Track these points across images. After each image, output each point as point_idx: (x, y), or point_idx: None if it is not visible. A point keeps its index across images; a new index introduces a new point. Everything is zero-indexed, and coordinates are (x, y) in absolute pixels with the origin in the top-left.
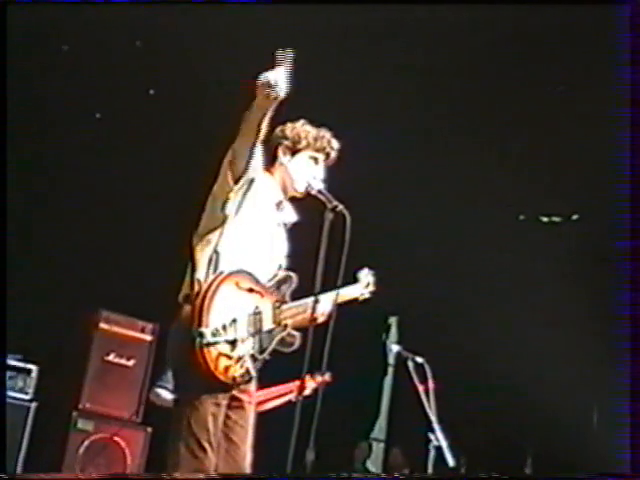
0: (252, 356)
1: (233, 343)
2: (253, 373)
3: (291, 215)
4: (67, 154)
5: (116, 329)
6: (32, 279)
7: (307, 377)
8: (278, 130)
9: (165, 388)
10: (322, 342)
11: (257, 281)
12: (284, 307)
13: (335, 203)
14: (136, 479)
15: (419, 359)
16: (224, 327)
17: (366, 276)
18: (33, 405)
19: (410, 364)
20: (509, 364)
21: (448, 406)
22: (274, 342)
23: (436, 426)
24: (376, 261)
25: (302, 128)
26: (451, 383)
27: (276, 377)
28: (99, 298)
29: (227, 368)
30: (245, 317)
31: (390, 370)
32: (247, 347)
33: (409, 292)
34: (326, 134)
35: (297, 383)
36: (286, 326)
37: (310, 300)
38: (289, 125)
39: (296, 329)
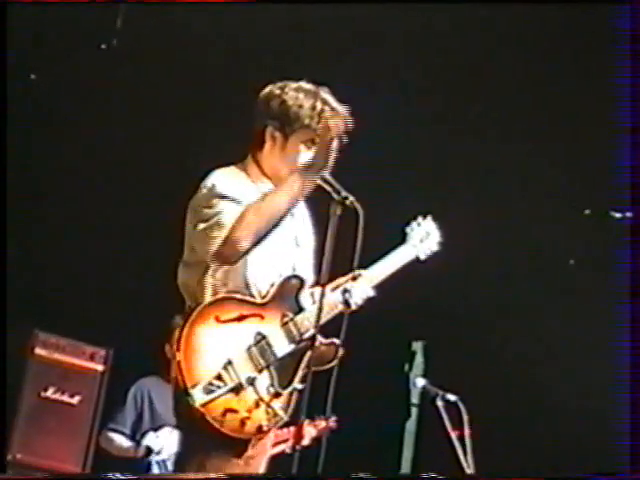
0: (276, 394)
1: (238, 390)
2: (283, 414)
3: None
4: (67, 154)
5: (57, 356)
6: None
7: (306, 422)
8: (263, 100)
9: (120, 432)
10: (326, 376)
11: (249, 302)
12: (300, 317)
13: (344, 194)
14: (131, 479)
15: (451, 396)
16: (219, 377)
17: (419, 225)
18: None
19: (440, 403)
20: (560, 401)
21: (488, 456)
22: (302, 364)
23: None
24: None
25: (293, 99)
26: (491, 427)
27: None
28: (34, 316)
29: (243, 423)
30: (243, 353)
31: (414, 411)
32: (264, 386)
33: (438, 311)
34: (326, 103)
35: (293, 430)
36: (314, 338)
37: (337, 292)
38: (276, 92)
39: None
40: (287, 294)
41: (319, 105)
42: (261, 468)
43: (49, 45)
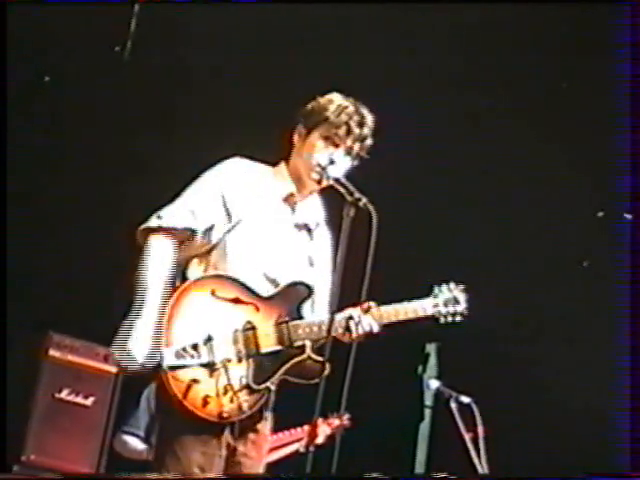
0: (247, 387)
1: (211, 368)
2: (246, 409)
3: (309, 214)
4: (67, 154)
5: (71, 358)
6: None
7: (320, 421)
8: (301, 109)
9: (135, 435)
10: (341, 375)
11: (249, 290)
12: (295, 323)
13: (358, 195)
14: (136, 479)
15: (465, 399)
16: (195, 347)
17: (450, 290)
18: None
19: (453, 405)
20: (565, 391)
21: (501, 458)
22: (283, 369)
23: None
24: (409, 270)
25: (324, 99)
26: (505, 429)
27: (280, 421)
28: (49, 317)
29: (206, 401)
30: (229, 335)
31: (428, 413)
32: (237, 374)
33: None
34: (356, 108)
35: (307, 428)
36: (303, 348)
37: (341, 316)
38: (315, 100)
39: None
40: (291, 298)
41: (345, 103)
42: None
43: (49, 45)
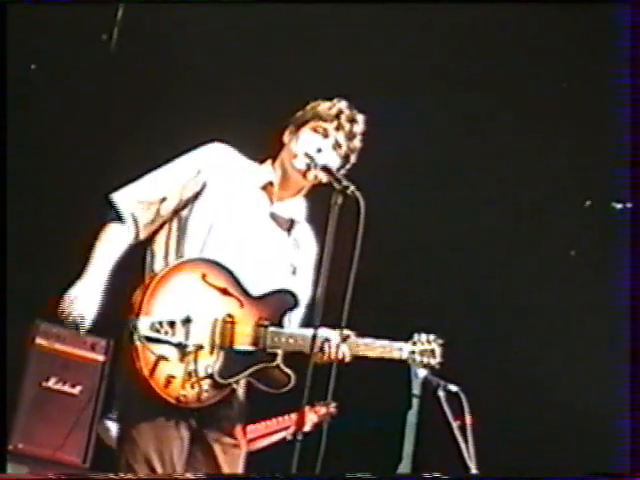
0: (211, 378)
1: (182, 350)
2: (204, 399)
3: (288, 209)
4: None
5: (58, 346)
6: None
7: (307, 408)
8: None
9: (114, 420)
10: (327, 366)
11: (239, 285)
12: (273, 330)
13: (345, 183)
14: (133, 479)
15: (453, 387)
16: (172, 324)
17: (429, 342)
18: None
19: (441, 394)
20: (565, 391)
21: (488, 447)
22: (249, 371)
23: (474, 471)
24: (396, 259)
25: (317, 102)
26: (492, 417)
27: (267, 408)
28: (35, 305)
29: (168, 381)
30: (208, 321)
31: (415, 401)
32: (205, 362)
33: (439, 301)
34: (347, 107)
35: (294, 416)
36: (274, 357)
37: (320, 336)
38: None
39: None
40: (277, 304)
41: (339, 104)
42: (240, 465)
43: (49, 45)
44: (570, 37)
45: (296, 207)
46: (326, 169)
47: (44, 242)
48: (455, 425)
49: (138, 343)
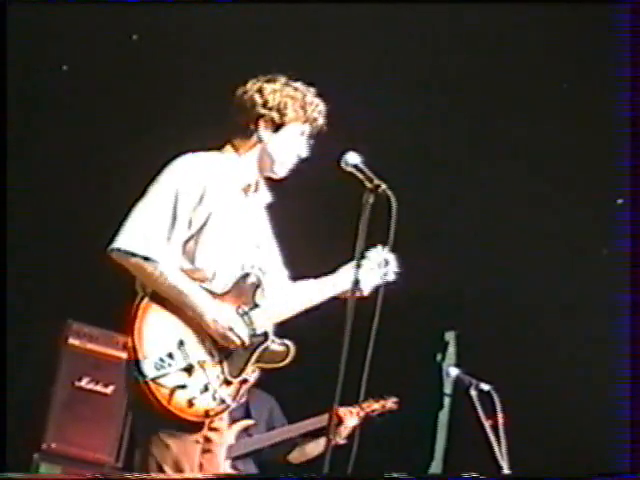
0: (226, 381)
1: (189, 371)
2: (229, 401)
3: (265, 197)
4: (66, 155)
5: (90, 346)
6: None
7: (346, 409)
8: (254, 92)
9: None
10: (360, 366)
11: (207, 290)
12: (254, 312)
13: (377, 182)
14: (136, 479)
15: (485, 386)
16: (170, 355)
17: (379, 254)
18: None
19: (473, 393)
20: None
21: (522, 446)
22: (253, 358)
23: (507, 471)
24: (429, 255)
25: (286, 92)
26: (525, 416)
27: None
28: (67, 305)
29: (191, 403)
30: (197, 336)
31: (447, 401)
32: (214, 371)
33: (471, 299)
34: (314, 98)
35: (338, 415)
36: (267, 335)
37: (294, 296)
38: (267, 87)
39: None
40: (245, 288)
41: (309, 99)
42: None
43: (49, 45)
44: (570, 37)
45: (264, 195)
46: (357, 168)
47: (78, 243)
48: (487, 424)
49: (151, 384)
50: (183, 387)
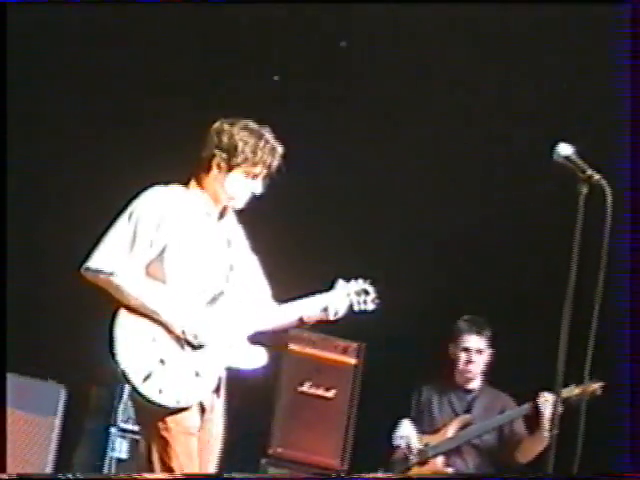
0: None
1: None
2: (202, 393)
3: (227, 229)
4: (66, 156)
5: (310, 351)
6: None
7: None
8: (214, 132)
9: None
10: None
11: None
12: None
13: (590, 172)
14: (138, 479)
15: None
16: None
17: (357, 284)
18: None
19: None
20: None
21: None
22: (224, 355)
23: None
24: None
25: (240, 135)
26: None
27: None
28: None
29: (160, 391)
30: (174, 355)
31: None
32: (184, 364)
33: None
34: (267, 142)
35: None
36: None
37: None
38: (226, 128)
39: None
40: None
41: (262, 143)
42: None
43: (49, 45)
44: (570, 37)
45: (232, 225)
46: (569, 159)
47: None
48: None
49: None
50: (155, 376)
